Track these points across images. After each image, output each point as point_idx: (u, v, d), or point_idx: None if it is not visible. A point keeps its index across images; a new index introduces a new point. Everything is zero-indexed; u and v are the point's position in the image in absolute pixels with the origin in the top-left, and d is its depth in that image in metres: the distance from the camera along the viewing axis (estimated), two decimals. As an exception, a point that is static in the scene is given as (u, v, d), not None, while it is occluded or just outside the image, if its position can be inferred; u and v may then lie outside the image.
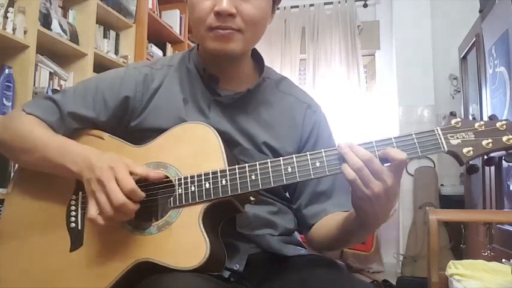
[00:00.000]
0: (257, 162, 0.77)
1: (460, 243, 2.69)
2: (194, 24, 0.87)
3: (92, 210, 0.75)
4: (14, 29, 2.03)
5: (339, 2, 4.09)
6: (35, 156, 0.86)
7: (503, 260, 1.71)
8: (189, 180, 0.80)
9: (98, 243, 0.82)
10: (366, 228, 0.79)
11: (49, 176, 0.88)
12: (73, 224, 0.85)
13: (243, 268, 0.84)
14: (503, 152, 0.72)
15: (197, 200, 0.78)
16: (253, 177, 0.77)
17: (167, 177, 0.82)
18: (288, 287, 0.81)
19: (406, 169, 3.62)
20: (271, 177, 0.76)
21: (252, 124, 0.93)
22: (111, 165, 0.76)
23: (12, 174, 1.93)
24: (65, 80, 2.45)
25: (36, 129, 0.87)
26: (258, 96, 0.96)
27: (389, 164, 0.72)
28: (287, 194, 1.00)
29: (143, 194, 0.76)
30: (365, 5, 4.10)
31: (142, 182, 0.82)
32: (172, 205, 0.80)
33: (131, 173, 0.77)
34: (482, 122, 0.72)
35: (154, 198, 0.82)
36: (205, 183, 0.78)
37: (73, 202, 0.87)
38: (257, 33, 0.89)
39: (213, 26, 0.83)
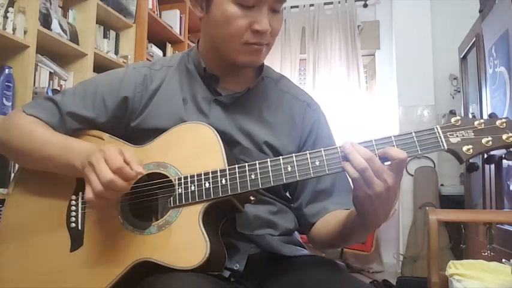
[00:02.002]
0: (257, 162, 0.77)
1: (460, 243, 2.68)
2: (225, 38, 0.86)
3: (88, 193, 0.75)
4: (14, 29, 2.03)
5: (339, 2, 4.09)
6: (37, 157, 0.86)
7: (503, 260, 1.71)
8: (189, 179, 0.80)
9: (98, 243, 0.82)
10: (366, 226, 0.79)
11: (49, 177, 0.88)
12: (73, 224, 0.85)
13: (243, 268, 0.84)
14: (503, 151, 0.72)
15: (197, 200, 0.78)
16: (253, 176, 0.77)
17: (167, 176, 0.82)
18: (287, 287, 0.81)
19: (406, 169, 3.62)
20: (271, 177, 0.76)
21: (252, 123, 0.93)
22: (101, 148, 0.76)
23: (12, 174, 1.93)
24: (65, 80, 2.46)
25: (38, 130, 0.88)
26: (258, 95, 0.96)
27: (389, 163, 0.72)
28: (287, 194, 1.00)
29: (132, 173, 0.74)
30: (365, 5, 4.11)
31: (144, 181, 0.82)
32: (172, 205, 0.80)
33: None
34: (482, 120, 0.72)
35: (154, 197, 0.82)
36: (205, 183, 0.78)
37: (73, 202, 0.87)
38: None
39: (249, 42, 0.85)
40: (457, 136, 0.72)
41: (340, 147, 0.74)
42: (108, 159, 0.74)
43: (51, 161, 0.85)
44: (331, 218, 0.89)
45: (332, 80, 3.99)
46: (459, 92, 3.46)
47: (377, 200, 0.71)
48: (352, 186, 0.73)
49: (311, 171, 0.75)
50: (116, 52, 2.91)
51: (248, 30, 0.85)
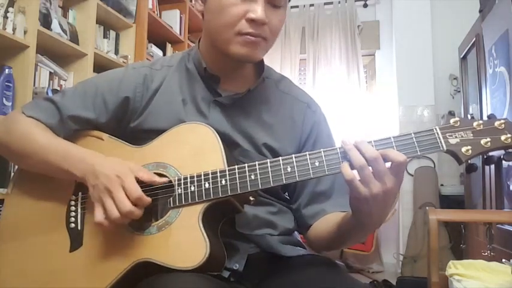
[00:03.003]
0: (256, 162, 0.77)
1: (460, 243, 2.68)
2: (220, 27, 0.86)
3: (99, 215, 0.77)
4: (14, 29, 2.03)
5: (339, 2, 4.09)
6: (36, 160, 0.86)
7: (503, 260, 1.71)
8: (188, 180, 0.80)
9: (97, 243, 0.82)
10: (363, 228, 0.79)
11: (48, 177, 0.88)
12: (73, 225, 0.85)
13: (243, 268, 0.84)
14: (502, 151, 0.72)
15: (197, 200, 0.78)
16: (252, 177, 0.77)
17: (166, 177, 0.82)
18: (287, 287, 0.81)
19: (406, 169, 3.61)
20: (270, 177, 0.76)
21: (252, 125, 0.93)
22: (118, 174, 0.77)
23: (12, 174, 1.93)
24: (65, 80, 2.45)
25: (37, 132, 0.87)
26: (258, 96, 0.96)
27: (389, 164, 0.71)
28: (286, 195, 1.00)
29: (149, 200, 0.78)
30: (365, 5, 4.11)
31: (143, 182, 0.82)
32: (172, 205, 0.80)
33: (136, 178, 0.78)
34: (480, 121, 0.73)
35: (154, 198, 0.82)
36: (204, 183, 0.78)
37: (72, 202, 0.87)
38: (274, 42, 0.91)
39: (243, 31, 0.84)
40: (456, 137, 0.72)
41: (339, 148, 0.74)
42: (127, 188, 0.76)
43: (48, 166, 0.85)
44: (328, 219, 0.89)
45: (332, 80, 3.99)
46: (459, 92, 3.46)
47: (373, 201, 0.70)
48: (348, 188, 0.73)
49: (310, 172, 0.75)
50: (116, 52, 2.91)
51: (243, 20, 0.84)
